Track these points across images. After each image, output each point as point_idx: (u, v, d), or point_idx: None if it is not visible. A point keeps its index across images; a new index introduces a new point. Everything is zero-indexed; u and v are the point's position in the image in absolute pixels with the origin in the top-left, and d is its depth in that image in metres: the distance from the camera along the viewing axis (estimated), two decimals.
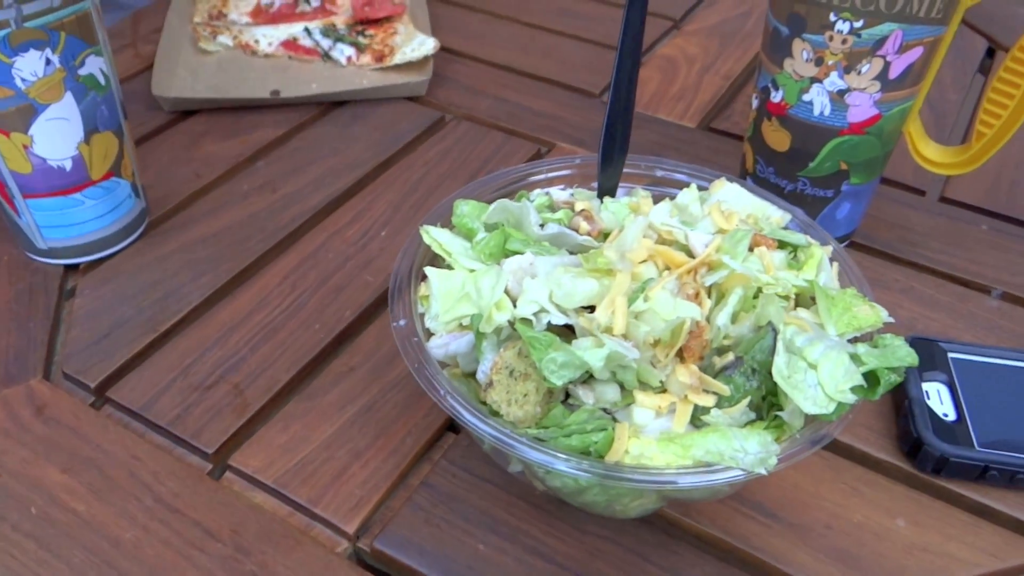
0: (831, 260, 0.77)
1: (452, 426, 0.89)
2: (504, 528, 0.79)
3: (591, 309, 0.66)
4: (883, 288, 1.04)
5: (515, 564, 0.76)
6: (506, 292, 0.70)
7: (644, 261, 0.69)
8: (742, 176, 1.09)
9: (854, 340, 0.69)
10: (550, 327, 0.66)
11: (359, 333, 0.98)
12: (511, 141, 1.28)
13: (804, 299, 0.74)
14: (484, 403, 0.67)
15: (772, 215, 0.82)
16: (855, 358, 0.65)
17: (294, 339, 0.96)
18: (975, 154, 0.97)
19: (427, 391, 0.65)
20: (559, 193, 0.86)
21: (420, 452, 0.85)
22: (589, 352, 0.60)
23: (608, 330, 0.63)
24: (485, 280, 0.68)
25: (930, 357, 0.91)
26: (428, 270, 0.74)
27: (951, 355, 0.92)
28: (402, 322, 0.71)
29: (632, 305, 0.63)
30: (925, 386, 0.88)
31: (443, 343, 0.70)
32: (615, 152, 0.81)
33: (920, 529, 0.79)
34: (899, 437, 0.86)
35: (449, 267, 0.76)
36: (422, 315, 0.74)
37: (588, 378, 0.66)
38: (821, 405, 0.62)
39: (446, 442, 0.87)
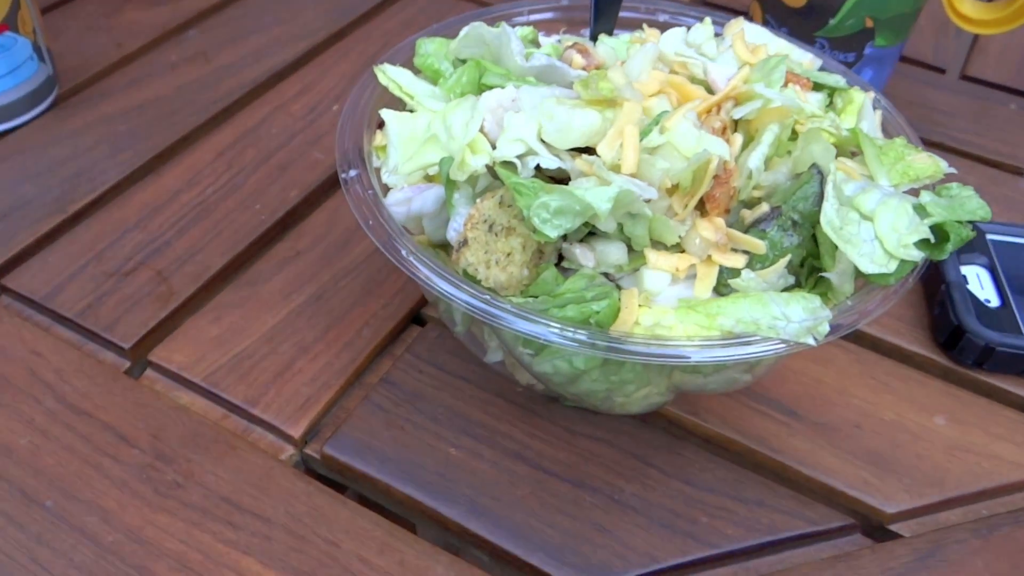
0: (873, 108, 0.64)
1: (417, 318, 0.76)
2: (480, 430, 0.66)
3: (591, 152, 0.53)
4: None
5: (493, 470, 0.64)
6: (483, 133, 0.56)
7: (655, 94, 0.55)
8: None
9: (912, 192, 0.56)
10: (539, 173, 0.53)
11: (307, 216, 0.84)
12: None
13: (844, 152, 0.61)
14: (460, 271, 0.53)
15: (801, 58, 0.68)
16: (918, 208, 0.52)
17: (230, 221, 0.82)
18: (1018, 8, 0.84)
19: (384, 251, 0.52)
20: (546, 40, 0.71)
21: (380, 346, 0.72)
22: (592, 191, 0.47)
23: (615, 168, 0.49)
24: (456, 116, 0.54)
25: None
26: (385, 112, 0.60)
27: (989, 237, 0.80)
28: (352, 172, 0.57)
29: (645, 138, 0.50)
30: (964, 270, 0.76)
31: (404, 198, 0.56)
32: None
33: (962, 427, 0.68)
34: (935, 327, 0.75)
35: (411, 112, 0.61)
36: (378, 169, 0.60)
37: (587, 235, 0.53)
38: (880, 263, 0.49)
39: (410, 335, 0.74)
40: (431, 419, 0.67)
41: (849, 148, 0.61)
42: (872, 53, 0.88)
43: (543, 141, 0.52)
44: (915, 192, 0.57)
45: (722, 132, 0.52)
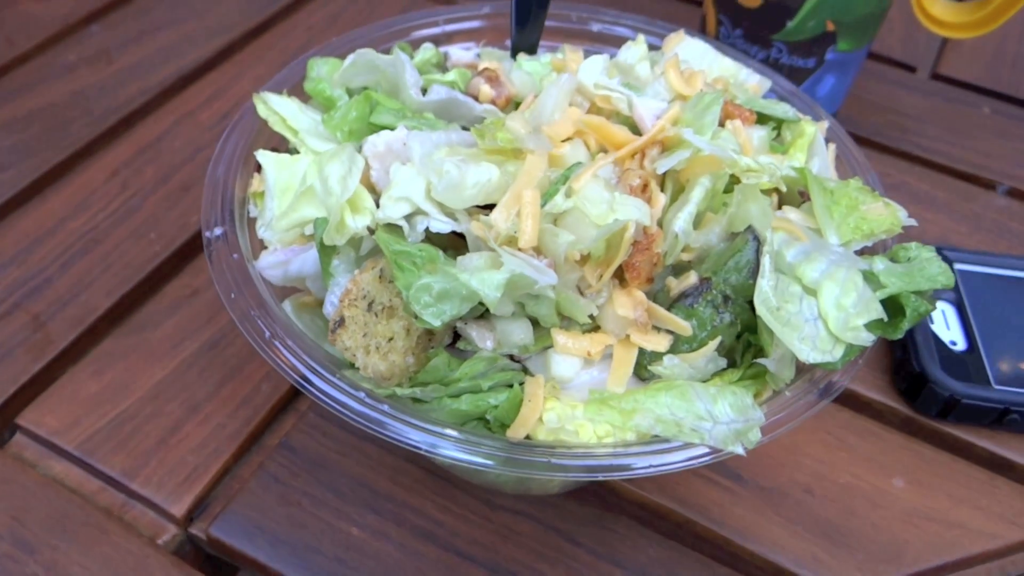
0: (827, 141, 0.57)
1: None
2: (387, 504, 0.59)
3: (490, 209, 0.45)
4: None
5: (399, 553, 0.57)
6: (367, 185, 0.48)
7: (569, 139, 0.47)
8: None
9: (863, 251, 0.49)
10: (429, 236, 0.45)
11: None
12: (419, 3, 1.03)
13: (791, 195, 0.54)
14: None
15: (747, 80, 0.60)
16: (870, 277, 0.45)
17: (120, 253, 0.73)
18: (995, 10, 0.76)
19: (244, 333, 0.44)
20: (461, 53, 0.63)
21: (280, 402, 0.64)
22: (480, 276, 0.39)
23: (511, 241, 0.42)
24: (333, 167, 0.46)
25: None
26: (261, 155, 0.51)
27: (957, 267, 0.73)
28: (218, 231, 0.48)
29: (548, 203, 0.42)
30: None
31: (279, 260, 0.48)
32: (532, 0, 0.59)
33: (922, 490, 0.62)
34: (895, 371, 0.68)
35: (294, 151, 0.53)
36: (255, 219, 0.52)
37: (484, 312, 0.45)
38: (824, 349, 0.42)
39: None
40: (333, 491, 0.59)
41: (799, 188, 0.53)
42: (834, 58, 0.80)
43: (433, 199, 0.44)
44: (869, 249, 0.49)
45: (643, 189, 0.44)
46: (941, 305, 0.70)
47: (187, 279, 0.72)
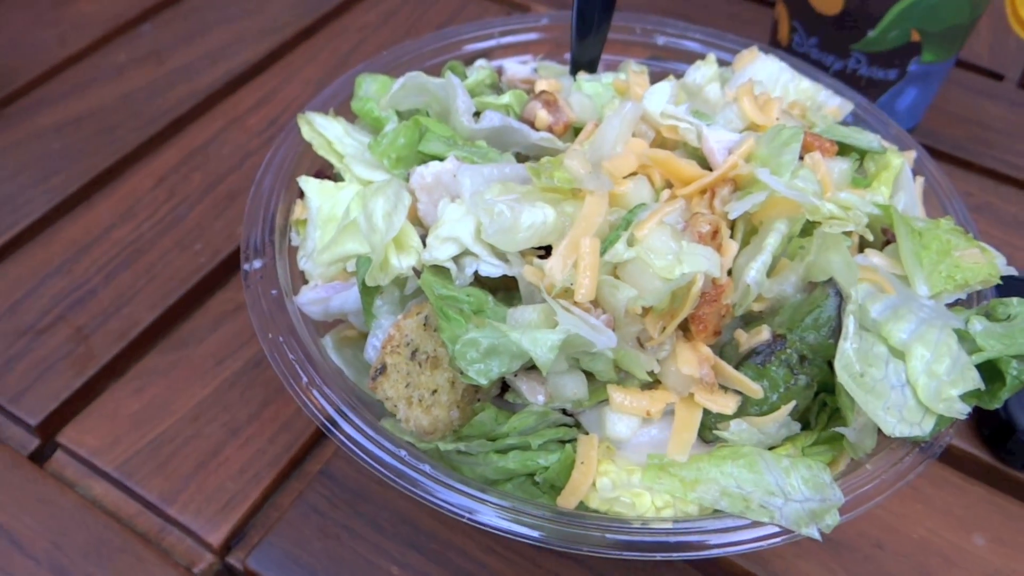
0: (914, 173, 0.52)
1: None
2: (429, 542, 0.56)
3: (547, 251, 0.41)
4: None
5: None
6: (414, 219, 0.45)
7: (632, 175, 0.43)
8: None
9: (956, 303, 0.44)
10: (479, 279, 0.42)
11: None
12: (474, 2, 0.99)
13: (874, 232, 0.50)
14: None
15: (826, 103, 0.56)
16: (965, 338, 0.41)
17: (165, 264, 0.72)
18: None
19: (281, 378, 0.42)
20: (517, 68, 0.59)
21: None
22: (532, 335, 0.36)
23: (567, 293, 0.38)
24: (378, 203, 0.43)
25: None
26: (304, 182, 0.49)
27: None
28: (256, 263, 0.46)
29: (608, 252, 0.39)
30: None
31: (319, 297, 0.46)
32: (596, 10, 0.55)
33: (1006, 550, 0.57)
34: (979, 415, 0.63)
35: (338, 177, 0.50)
36: (296, 248, 0.49)
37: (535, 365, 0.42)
38: (911, 420, 0.38)
39: None
40: (373, 526, 0.57)
41: (883, 226, 0.49)
42: (917, 70, 0.75)
43: (484, 241, 0.41)
44: (962, 303, 0.45)
45: (712, 236, 0.40)
46: None
47: (231, 293, 0.70)
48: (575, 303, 0.37)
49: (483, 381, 0.37)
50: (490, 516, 0.37)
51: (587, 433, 0.41)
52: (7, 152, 0.80)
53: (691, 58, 0.60)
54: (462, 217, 0.41)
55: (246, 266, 0.45)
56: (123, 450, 0.61)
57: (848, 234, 0.45)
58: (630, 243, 0.38)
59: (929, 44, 0.72)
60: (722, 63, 0.59)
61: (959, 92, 0.90)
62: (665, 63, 0.62)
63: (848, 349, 0.38)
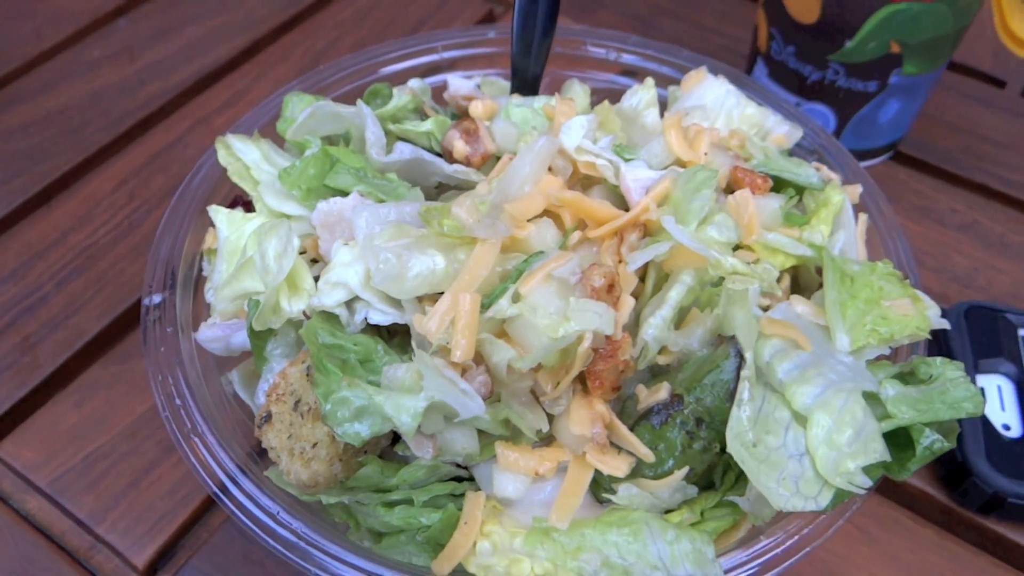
0: (857, 209, 0.49)
1: None
2: None
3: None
4: (933, 221, 0.75)
5: None
6: (316, 256, 0.44)
7: (538, 217, 0.41)
8: (751, 59, 0.78)
9: (880, 359, 0.42)
10: (371, 326, 0.40)
11: None
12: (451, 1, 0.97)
13: (807, 274, 0.47)
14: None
15: (773, 131, 0.53)
16: (873, 401, 0.38)
17: (117, 272, 0.71)
18: None
19: (165, 423, 0.40)
20: (460, 83, 0.57)
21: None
22: (396, 401, 0.34)
23: (445, 351, 0.36)
24: (271, 242, 0.41)
25: (992, 335, 0.63)
26: (213, 211, 0.47)
27: (1022, 332, 0.64)
28: (156, 297, 0.45)
29: (492, 307, 0.37)
30: (981, 380, 0.61)
31: (219, 335, 0.44)
32: (538, 19, 0.52)
33: None
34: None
35: (249, 205, 0.49)
36: (206, 278, 0.48)
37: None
38: (807, 493, 0.36)
39: None
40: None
41: (815, 266, 0.46)
42: (899, 83, 0.71)
43: (373, 288, 0.39)
44: (887, 358, 0.42)
45: (608, 289, 0.38)
46: (997, 380, 0.61)
47: None
48: (448, 364, 0.35)
49: (355, 441, 0.35)
50: None
51: (478, 489, 0.40)
52: None
53: (643, 76, 0.57)
54: (352, 262, 0.39)
55: (146, 300, 0.44)
56: (58, 465, 0.60)
57: (778, 278, 0.43)
58: (514, 299, 0.36)
59: (911, 56, 0.69)
60: (673, 82, 0.56)
61: (955, 100, 0.86)
62: (633, 80, 0.59)
63: (741, 416, 0.36)
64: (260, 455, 0.42)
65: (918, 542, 0.57)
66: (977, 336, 0.62)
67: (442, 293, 0.39)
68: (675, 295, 0.38)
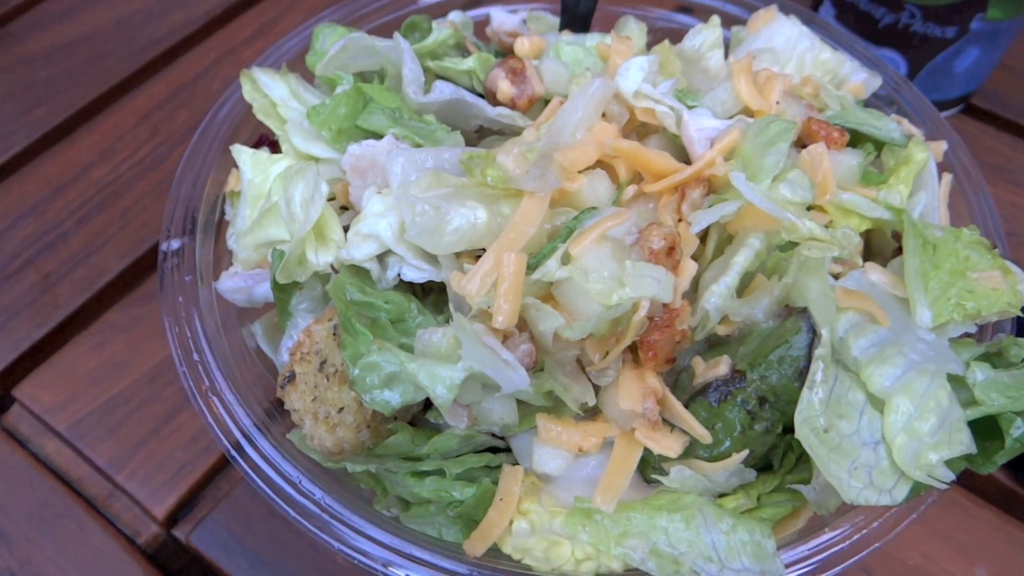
0: (940, 169, 0.45)
1: None
2: None
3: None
4: (1008, 181, 0.70)
5: None
6: (346, 204, 0.40)
7: (590, 168, 0.37)
8: (815, 3, 0.72)
9: (964, 337, 0.38)
10: (404, 283, 0.37)
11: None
12: None
13: (881, 238, 0.43)
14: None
15: (849, 78, 0.48)
16: (959, 385, 0.34)
17: (140, 210, 0.68)
18: None
19: (180, 378, 0.38)
20: (504, 18, 0.52)
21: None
22: (430, 370, 0.31)
23: (486, 316, 0.33)
24: (297, 187, 0.38)
25: None
26: (236, 150, 0.44)
27: None
28: (175, 243, 0.42)
29: (539, 269, 0.33)
30: None
31: (241, 285, 0.41)
32: None
33: None
34: None
35: (276, 146, 0.45)
36: (228, 222, 0.45)
37: None
38: (881, 485, 0.32)
39: None
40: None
41: (892, 230, 0.42)
42: (981, 28, 0.65)
43: (408, 241, 0.36)
44: (971, 336, 0.38)
45: (668, 252, 0.34)
46: None
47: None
48: (490, 330, 0.32)
49: (385, 409, 0.32)
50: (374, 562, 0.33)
51: (515, 462, 0.37)
52: None
53: (707, 14, 0.52)
54: (385, 212, 0.36)
55: (163, 246, 0.41)
56: (77, 409, 0.59)
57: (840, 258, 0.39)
58: (564, 261, 0.33)
59: None
60: (738, 21, 0.51)
61: None
62: (675, 18, 0.54)
63: (813, 399, 0.32)
64: (282, 414, 0.40)
65: (975, 523, 0.54)
66: None
67: (483, 250, 0.36)
68: (741, 260, 0.34)
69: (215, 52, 0.80)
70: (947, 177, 0.44)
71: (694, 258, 0.37)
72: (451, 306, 0.35)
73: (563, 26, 0.51)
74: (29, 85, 0.77)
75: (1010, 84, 0.76)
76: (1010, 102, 0.75)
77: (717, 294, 0.34)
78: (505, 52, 0.51)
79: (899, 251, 0.42)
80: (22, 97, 0.76)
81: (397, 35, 0.42)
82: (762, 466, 0.37)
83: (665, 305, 0.34)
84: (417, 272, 0.35)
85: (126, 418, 0.58)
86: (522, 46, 0.47)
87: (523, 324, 0.33)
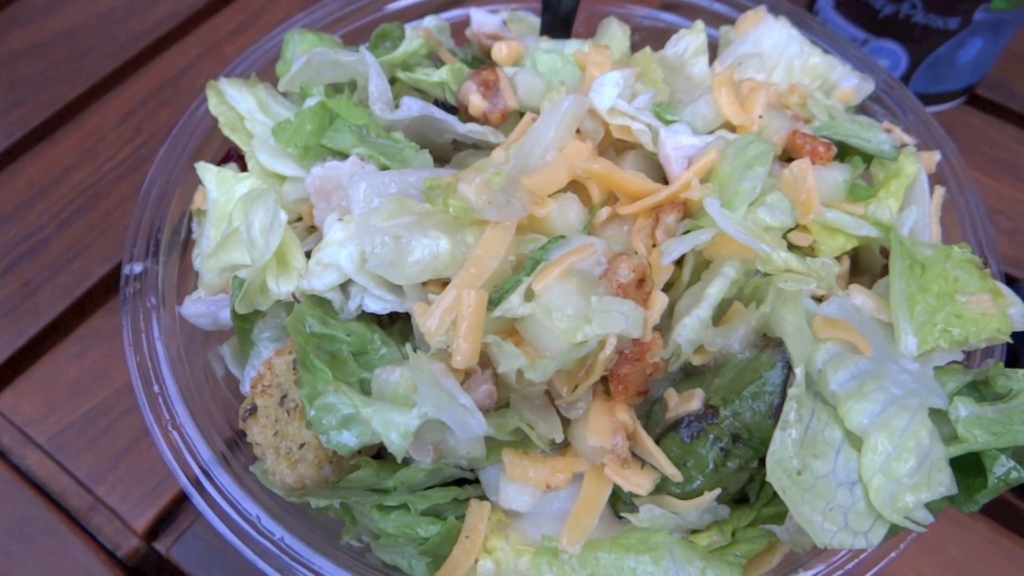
0: (932, 180, 0.43)
1: None
2: None
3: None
4: (1011, 176, 0.68)
5: None
6: (311, 227, 0.39)
7: (561, 191, 0.36)
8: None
9: (952, 365, 0.36)
10: (366, 313, 0.36)
11: None
12: None
13: (868, 254, 0.41)
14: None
15: (840, 83, 0.46)
16: (941, 418, 0.33)
17: (122, 213, 0.67)
18: None
19: (141, 409, 0.37)
20: (485, 19, 0.50)
21: None
22: (384, 416, 0.30)
23: (446, 354, 0.32)
24: (256, 213, 0.37)
25: None
26: (201, 168, 0.42)
27: None
28: (137, 267, 0.41)
29: (502, 305, 0.32)
30: None
31: (205, 311, 0.40)
32: None
33: None
34: None
35: (244, 160, 0.44)
36: (196, 241, 0.44)
37: None
38: (856, 528, 0.31)
39: None
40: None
41: (880, 247, 0.41)
42: (985, 19, 0.62)
43: (369, 272, 0.35)
44: (959, 364, 0.36)
45: (637, 285, 0.32)
46: None
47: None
48: (448, 370, 0.31)
49: (342, 451, 0.31)
50: None
51: (484, 495, 0.36)
52: None
53: (696, 15, 0.51)
54: (346, 241, 0.34)
55: (126, 269, 0.40)
56: (58, 420, 0.58)
57: (839, 259, 0.37)
58: (527, 297, 0.31)
59: None
60: (727, 22, 0.50)
61: None
62: (663, 17, 0.52)
63: (786, 439, 0.31)
64: (246, 444, 0.39)
65: (969, 537, 0.52)
66: None
67: (449, 279, 0.35)
68: (715, 291, 0.33)
69: (197, 47, 0.78)
70: (939, 190, 0.42)
71: (670, 283, 0.35)
72: (415, 339, 0.34)
73: (544, 26, 0.49)
74: (10, 84, 0.75)
75: (1017, 73, 0.74)
76: (1016, 92, 0.73)
77: (689, 327, 0.33)
78: (484, 54, 0.49)
79: (887, 268, 0.40)
80: (2, 97, 0.74)
81: (363, 49, 0.40)
82: (738, 498, 0.36)
83: (635, 339, 0.32)
84: (380, 303, 0.34)
85: (107, 429, 0.57)
86: (500, 52, 0.46)
87: (486, 361, 0.32)
